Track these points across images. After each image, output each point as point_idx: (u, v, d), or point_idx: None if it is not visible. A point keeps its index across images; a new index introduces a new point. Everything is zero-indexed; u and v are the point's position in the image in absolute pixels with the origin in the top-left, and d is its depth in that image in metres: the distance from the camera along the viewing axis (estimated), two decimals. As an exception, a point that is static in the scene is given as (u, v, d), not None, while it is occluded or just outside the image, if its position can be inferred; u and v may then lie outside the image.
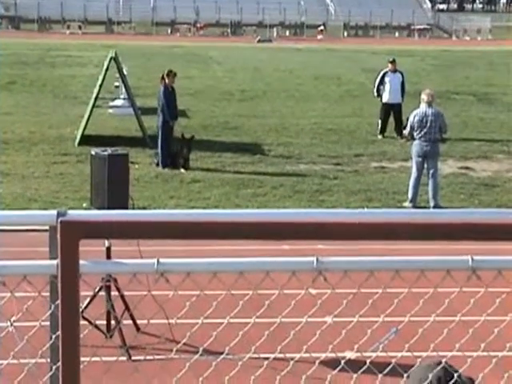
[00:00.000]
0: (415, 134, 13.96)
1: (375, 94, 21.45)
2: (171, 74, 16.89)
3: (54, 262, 2.47)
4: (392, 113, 20.91)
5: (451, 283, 3.03)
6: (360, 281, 3.00)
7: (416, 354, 3.49)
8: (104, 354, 6.77)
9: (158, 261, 2.70)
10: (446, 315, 3.68)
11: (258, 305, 3.57)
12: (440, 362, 2.48)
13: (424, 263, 2.84)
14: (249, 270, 2.76)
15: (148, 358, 7.83)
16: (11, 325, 3.33)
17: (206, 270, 2.74)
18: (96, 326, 7.65)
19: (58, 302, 2.96)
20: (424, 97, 14.20)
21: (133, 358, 7.87)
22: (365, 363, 3.45)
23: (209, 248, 7.84)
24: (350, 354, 4.40)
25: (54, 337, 2.88)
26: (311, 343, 3.63)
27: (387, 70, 21.28)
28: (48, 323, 3.24)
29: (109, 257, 7.82)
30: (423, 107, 14.11)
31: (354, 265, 2.83)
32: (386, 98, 21.00)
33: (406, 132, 14.73)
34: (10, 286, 2.84)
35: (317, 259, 2.77)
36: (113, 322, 8.17)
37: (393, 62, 21.32)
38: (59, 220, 1.28)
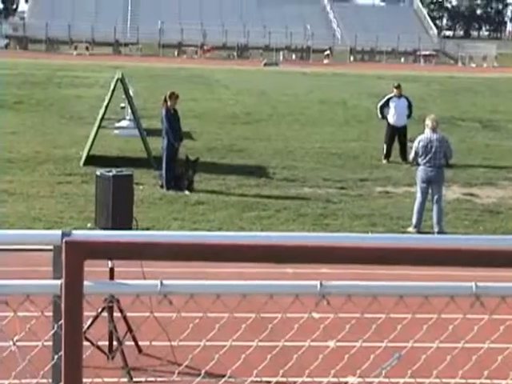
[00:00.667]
0: (420, 159, 13.96)
1: (379, 115, 21.52)
2: (173, 96, 16.93)
3: (58, 281, 2.47)
4: (397, 137, 20.96)
5: (455, 309, 3.02)
6: (363, 306, 2.99)
7: (419, 380, 3.47)
8: (106, 375, 6.75)
9: (161, 282, 2.70)
10: (449, 342, 3.67)
11: (261, 328, 3.56)
12: None
13: (428, 289, 2.83)
14: (252, 293, 2.75)
15: (149, 379, 7.79)
16: (14, 344, 3.33)
17: (209, 292, 2.73)
18: (98, 347, 7.62)
19: (61, 322, 2.95)
20: (428, 122, 14.22)
21: (134, 379, 7.83)
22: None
23: (212, 270, 7.84)
24: (353, 380, 4.38)
25: (56, 357, 2.87)
26: (313, 367, 3.61)
27: (392, 95, 21.36)
28: (50, 343, 3.24)
29: (112, 277, 7.81)
30: (428, 133, 14.12)
31: (358, 289, 2.82)
32: (391, 120, 21.08)
33: (410, 157, 14.74)
34: (12, 305, 2.84)
35: (320, 283, 2.76)
36: (115, 343, 8.14)
37: (398, 87, 21.40)
38: (64, 240, 1.28)
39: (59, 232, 2.67)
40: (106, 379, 6.73)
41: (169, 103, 16.85)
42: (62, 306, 1.24)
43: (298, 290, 2.79)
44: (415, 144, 14.17)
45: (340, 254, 1.34)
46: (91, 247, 1.29)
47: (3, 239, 3.10)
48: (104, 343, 7.97)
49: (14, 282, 2.59)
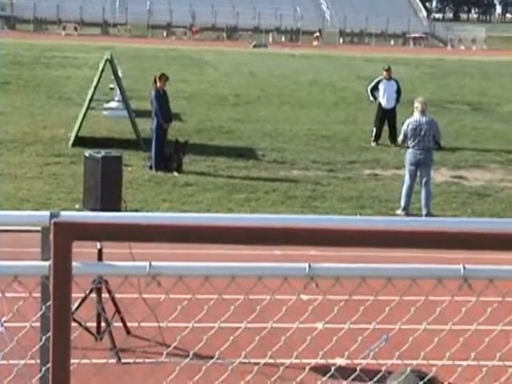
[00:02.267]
0: (409, 142, 13.99)
1: (370, 97, 21.50)
2: (163, 78, 16.89)
3: (46, 263, 2.46)
4: (386, 120, 20.98)
5: (443, 292, 3.03)
6: (352, 288, 3.00)
7: (406, 362, 3.49)
8: (94, 356, 6.75)
9: (150, 264, 2.70)
10: (437, 324, 3.69)
11: (249, 310, 3.57)
12: (416, 371, 2.51)
13: (416, 271, 2.84)
14: (241, 275, 2.76)
15: (138, 361, 7.80)
16: (1, 325, 3.32)
17: (197, 273, 2.73)
18: (86, 328, 7.62)
19: (50, 303, 2.95)
20: (417, 105, 14.23)
21: (122, 360, 7.85)
22: (355, 370, 3.45)
23: (201, 252, 7.84)
24: (341, 361, 4.40)
25: (44, 338, 2.87)
26: (302, 349, 3.63)
27: (382, 77, 21.37)
28: (38, 324, 3.23)
29: (100, 259, 7.80)
30: (417, 115, 14.14)
31: (346, 271, 2.82)
32: (381, 103, 21.11)
33: (399, 140, 14.77)
34: (0, 286, 2.83)
35: (309, 265, 2.77)
36: (103, 325, 8.15)
37: (388, 69, 21.40)
38: (52, 221, 1.27)
39: (47, 213, 2.66)
40: (94, 360, 6.74)
41: (158, 84, 16.80)
42: (50, 287, 1.24)
43: (287, 272, 2.80)
44: (404, 127, 14.19)
45: (329, 237, 1.34)
46: (79, 228, 1.28)
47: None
48: (92, 324, 7.98)
49: (2, 262, 2.58)
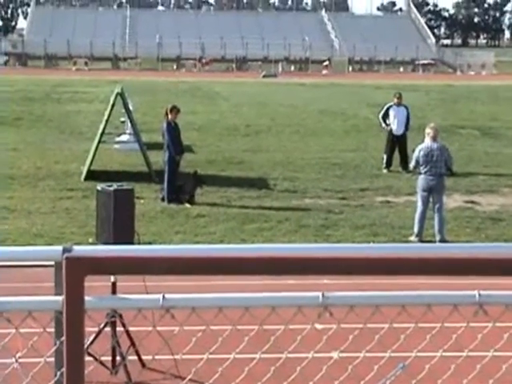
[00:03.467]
0: (421, 168, 13.97)
1: (382, 124, 21.52)
2: (174, 110, 16.98)
3: (60, 298, 2.46)
4: (397, 146, 20.99)
5: (458, 318, 3.01)
6: (366, 316, 2.98)
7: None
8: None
9: (163, 296, 2.69)
10: (453, 350, 3.65)
11: (264, 340, 3.55)
12: None
13: (431, 298, 2.82)
14: (254, 306, 2.75)
15: (153, 394, 7.76)
16: (16, 361, 3.32)
17: (211, 305, 2.72)
18: (101, 362, 7.60)
19: (63, 338, 2.95)
20: (429, 131, 14.23)
21: (138, 394, 7.81)
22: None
23: (214, 283, 7.82)
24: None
25: (58, 373, 2.86)
26: (317, 379, 3.60)
27: (392, 103, 21.42)
28: (53, 359, 3.23)
29: (114, 292, 7.79)
30: (428, 142, 14.13)
31: (360, 300, 2.81)
32: (391, 129, 21.17)
33: (411, 166, 14.75)
34: (14, 321, 2.84)
35: (323, 294, 2.76)
36: (118, 358, 8.12)
37: (399, 96, 21.48)
38: (65, 256, 1.27)
39: (60, 248, 2.66)
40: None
41: (170, 116, 16.88)
42: (64, 322, 1.23)
43: (300, 302, 2.79)
44: (415, 153, 14.18)
45: (343, 265, 1.34)
46: (92, 263, 1.28)
47: (4, 256, 3.09)
48: (107, 358, 7.95)
49: (16, 298, 2.58)
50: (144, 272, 1.30)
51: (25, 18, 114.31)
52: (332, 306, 2.73)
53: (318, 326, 4.50)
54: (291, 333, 3.42)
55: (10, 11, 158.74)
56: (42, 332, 2.91)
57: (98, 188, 8.67)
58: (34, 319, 2.69)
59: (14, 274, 11.22)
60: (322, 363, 3.59)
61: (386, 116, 21.34)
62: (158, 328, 6.16)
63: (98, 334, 7.67)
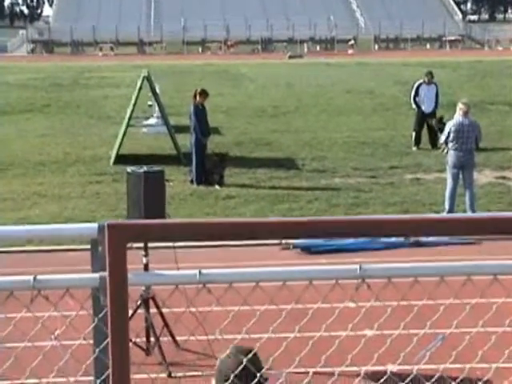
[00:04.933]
0: (451, 144, 13.84)
1: (413, 105, 21.37)
2: (203, 94, 16.97)
3: (97, 274, 2.46)
4: (426, 124, 20.86)
5: (498, 289, 2.97)
6: (404, 289, 2.95)
7: (463, 364, 3.43)
8: (144, 371, 6.76)
9: (199, 272, 2.68)
10: (493, 322, 3.61)
11: (301, 316, 3.53)
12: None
13: (470, 268, 2.78)
14: (292, 279, 2.72)
15: (188, 374, 7.81)
16: (55, 338, 3.33)
17: (248, 279, 2.70)
18: (135, 343, 7.64)
19: (101, 315, 2.96)
20: (461, 106, 14.08)
21: (173, 374, 7.86)
22: (410, 374, 3.39)
23: (249, 263, 7.81)
24: (392, 367, 4.33)
25: (97, 350, 2.87)
26: (356, 353, 3.58)
27: (421, 81, 21.26)
28: (91, 337, 3.24)
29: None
30: (459, 118, 13.99)
31: (399, 271, 2.78)
32: (421, 107, 21.03)
33: (441, 141, 14.59)
34: (52, 300, 2.84)
35: (360, 267, 2.73)
36: (152, 339, 8.16)
37: (430, 75, 21.30)
38: (106, 223, 1.26)
39: (95, 225, 2.66)
40: (144, 375, 6.75)
41: (198, 99, 16.87)
42: (108, 289, 1.22)
43: (337, 275, 2.76)
44: (446, 128, 14.05)
45: (388, 227, 1.31)
46: (133, 230, 1.27)
47: (41, 233, 3.09)
48: (141, 340, 7.99)
49: (53, 276, 2.59)
50: (184, 238, 1.28)
51: (50, 5, 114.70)
52: (370, 278, 2.69)
53: (351, 305, 4.47)
54: (329, 307, 3.40)
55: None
56: (79, 310, 2.91)
57: (128, 170, 8.67)
58: (72, 297, 2.69)
59: (46, 259, 11.32)
60: (360, 337, 3.56)
61: (416, 94, 21.17)
62: (192, 309, 6.17)
63: (132, 314, 7.70)
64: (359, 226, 1.31)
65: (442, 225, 1.31)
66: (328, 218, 1.32)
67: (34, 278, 2.52)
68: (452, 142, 13.80)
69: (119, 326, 1.24)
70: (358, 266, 2.72)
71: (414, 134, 20.95)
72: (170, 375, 7.86)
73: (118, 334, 1.22)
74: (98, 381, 2.91)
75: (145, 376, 6.76)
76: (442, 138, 14.26)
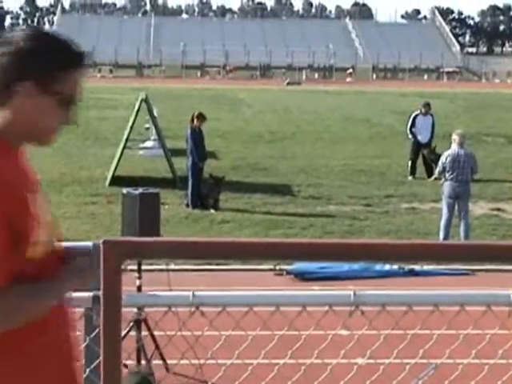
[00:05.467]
0: (447, 174, 13.87)
1: (409, 135, 21.51)
2: (201, 117, 17.01)
3: (90, 294, 2.45)
4: (421, 154, 20.96)
5: (492, 319, 2.96)
6: (398, 316, 2.94)
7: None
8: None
9: (193, 294, 2.67)
10: (486, 352, 3.60)
11: (294, 341, 3.51)
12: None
13: (464, 298, 2.78)
14: (285, 303, 2.72)
15: (178, 398, 7.74)
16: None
17: (241, 302, 2.69)
18: (125, 366, 7.58)
19: (93, 334, 2.94)
20: (456, 137, 14.14)
21: (163, 398, 7.78)
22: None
23: (242, 288, 7.77)
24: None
25: (88, 370, 2.85)
26: (348, 379, 3.56)
27: (418, 112, 21.41)
28: (83, 356, 3.22)
29: (139, 295, 7.78)
30: (455, 148, 14.04)
31: (392, 298, 2.77)
32: (417, 137, 21.18)
33: (436, 172, 14.64)
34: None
35: (354, 293, 2.73)
36: (143, 362, 8.10)
37: (427, 106, 21.47)
38: (102, 240, 1.25)
39: (90, 243, 2.65)
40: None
41: (195, 123, 16.91)
42: (101, 307, 1.21)
43: (331, 300, 2.75)
44: (442, 159, 14.08)
45: (382, 251, 1.31)
46: (130, 246, 1.26)
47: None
48: (131, 362, 7.93)
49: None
50: (183, 256, 1.27)
51: (51, 26, 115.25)
52: (363, 305, 2.69)
53: (344, 332, 4.46)
54: (322, 333, 3.39)
55: (36, 19, 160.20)
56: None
57: (124, 191, 8.66)
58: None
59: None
60: (352, 364, 3.55)
61: (412, 125, 21.31)
62: (184, 333, 6.14)
63: (124, 336, 7.65)
64: (357, 250, 1.31)
65: (440, 250, 1.31)
66: (324, 241, 1.32)
67: (27, 296, 2.51)
68: (448, 172, 13.84)
69: (112, 345, 1.23)
70: (352, 292, 2.72)
71: (409, 163, 21.03)
72: (159, 399, 7.79)
73: (111, 354, 1.21)
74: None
75: (134, 399, 6.71)
76: (438, 168, 14.28)
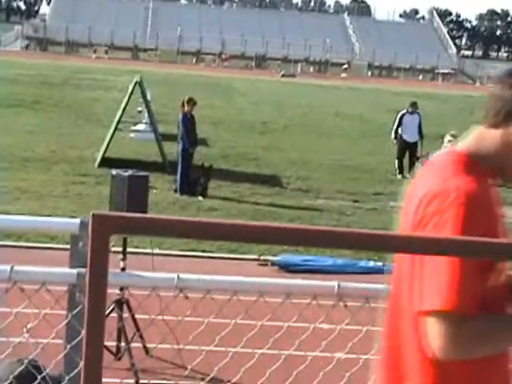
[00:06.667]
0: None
1: (392, 135, 21.57)
2: (191, 102, 16.96)
3: (75, 270, 2.44)
4: (408, 153, 21.02)
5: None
6: (380, 311, 2.94)
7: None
8: (112, 375, 6.71)
9: (178, 276, 2.67)
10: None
11: (275, 330, 3.51)
12: (21, 360, 2.62)
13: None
14: (270, 291, 2.72)
15: (155, 382, 7.75)
16: (27, 331, 3.30)
17: (226, 287, 2.69)
18: (105, 347, 7.57)
19: (75, 311, 2.93)
20: (449, 138, 14.18)
21: (141, 381, 7.79)
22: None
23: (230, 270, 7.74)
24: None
25: (68, 346, 2.84)
26: (328, 371, 3.56)
27: (405, 111, 21.46)
28: (64, 333, 3.21)
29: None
30: (447, 149, 14.04)
31: (377, 292, 2.78)
32: (403, 136, 21.21)
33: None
34: (27, 293, 2.82)
35: (338, 285, 2.73)
36: (123, 344, 8.10)
37: (413, 105, 21.49)
38: (92, 213, 1.25)
39: (77, 220, 2.64)
40: (111, 380, 6.69)
41: (186, 108, 16.86)
42: (86, 280, 1.21)
43: (316, 290, 2.75)
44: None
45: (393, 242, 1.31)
46: (119, 221, 1.26)
47: (25, 224, 3.07)
48: (112, 343, 7.93)
49: (31, 268, 2.57)
50: (172, 233, 1.27)
51: (48, 3, 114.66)
52: (347, 297, 2.69)
53: (325, 326, 4.46)
54: (305, 325, 3.39)
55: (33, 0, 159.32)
56: (54, 304, 2.89)
57: (113, 173, 8.63)
58: (48, 291, 2.67)
59: (26, 256, 11.25)
60: (331, 359, 3.55)
61: (399, 124, 21.35)
62: (166, 317, 6.13)
63: (106, 316, 7.65)
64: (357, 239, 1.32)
65: (430, 242, 1.31)
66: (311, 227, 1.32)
67: (11, 269, 2.50)
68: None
69: (96, 323, 1.23)
70: (336, 284, 2.72)
71: (396, 161, 21.09)
72: (137, 382, 7.80)
73: (94, 331, 1.21)
74: (67, 377, 2.89)
75: (113, 380, 6.71)
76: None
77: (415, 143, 21.09)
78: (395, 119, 21.70)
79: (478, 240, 1.39)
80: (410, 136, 21.10)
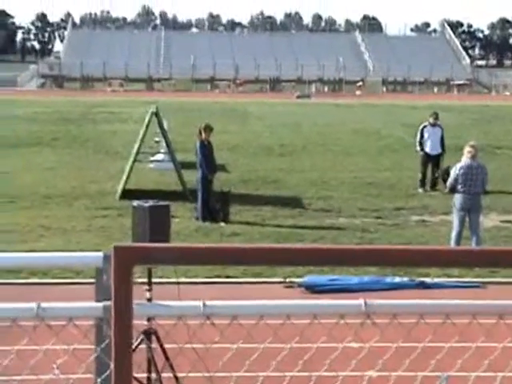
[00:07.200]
0: (459, 187, 13.77)
1: (418, 147, 21.44)
2: (208, 129, 17.04)
3: (101, 304, 2.45)
4: (430, 165, 20.92)
5: (504, 330, 2.95)
6: (409, 326, 2.93)
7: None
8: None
9: (203, 303, 2.67)
10: (499, 361, 3.57)
11: (304, 352, 3.50)
12: None
13: (476, 307, 2.76)
14: (297, 313, 2.71)
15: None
16: (57, 368, 3.30)
17: (253, 312, 2.69)
18: (136, 379, 7.56)
19: (103, 345, 2.94)
20: (469, 149, 14.05)
21: (173, 411, 7.76)
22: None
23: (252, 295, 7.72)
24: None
25: (99, 380, 2.85)
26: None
27: (426, 123, 21.37)
28: (93, 367, 3.21)
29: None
30: (467, 160, 13.92)
31: (404, 308, 2.76)
32: (425, 149, 21.14)
33: (448, 184, 14.48)
34: (55, 329, 2.83)
35: (365, 302, 2.72)
36: (153, 375, 8.08)
37: (435, 117, 21.43)
38: (113, 245, 1.26)
39: (101, 254, 2.65)
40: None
41: (203, 135, 16.93)
42: (112, 311, 1.21)
43: (342, 310, 2.74)
44: (455, 171, 13.95)
45: (393, 256, 1.31)
46: (140, 252, 1.27)
47: (49, 261, 3.09)
48: (142, 375, 7.92)
49: (57, 304, 2.58)
50: (192, 262, 1.27)
51: (61, 41, 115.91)
52: (374, 314, 2.68)
53: (354, 345, 4.44)
54: (334, 345, 3.37)
55: (47, 34, 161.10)
56: (82, 339, 2.89)
57: (134, 204, 8.65)
58: (75, 326, 2.68)
59: (51, 292, 11.29)
60: (363, 377, 3.53)
61: (421, 137, 21.26)
62: (194, 344, 6.11)
63: (135, 349, 7.63)
64: (369, 255, 1.31)
65: (450, 255, 1.31)
66: (334, 246, 1.32)
67: (38, 306, 2.51)
68: (460, 184, 13.74)
69: (123, 354, 1.23)
70: (362, 302, 2.71)
71: (420, 175, 20.99)
72: (170, 412, 7.77)
73: (122, 363, 1.21)
74: (99, 412, 2.89)
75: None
76: (450, 180, 14.10)
77: (437, 156, 20.98)
78: (417, 132, 21.64)
79: None
80: (433, 149, 21.01)
